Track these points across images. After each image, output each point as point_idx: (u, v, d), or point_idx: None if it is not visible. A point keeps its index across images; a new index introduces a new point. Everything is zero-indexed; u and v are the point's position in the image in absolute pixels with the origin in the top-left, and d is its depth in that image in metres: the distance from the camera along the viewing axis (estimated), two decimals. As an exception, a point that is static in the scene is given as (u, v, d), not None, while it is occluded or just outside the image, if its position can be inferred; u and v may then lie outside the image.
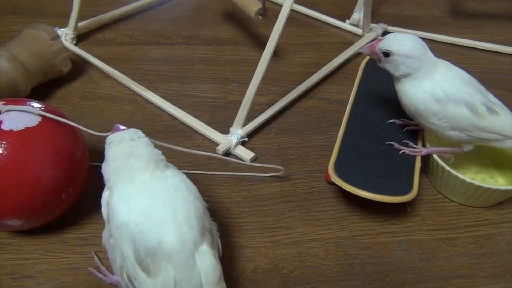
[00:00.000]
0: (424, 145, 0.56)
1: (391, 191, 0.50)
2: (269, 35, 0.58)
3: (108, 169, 0.41)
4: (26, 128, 0.42)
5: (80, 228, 0.50)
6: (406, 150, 0.55)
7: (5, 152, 0.41)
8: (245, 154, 0.59)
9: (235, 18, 0.87)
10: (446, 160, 0.54)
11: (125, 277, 0.38)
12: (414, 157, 0.55)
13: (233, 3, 0.74)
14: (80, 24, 0.77)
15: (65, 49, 0.67)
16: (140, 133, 0.43)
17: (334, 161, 0.53)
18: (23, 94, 0.62)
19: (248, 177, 0.57)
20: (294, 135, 0.63)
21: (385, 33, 0.85)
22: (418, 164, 0.54)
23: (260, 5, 0.67)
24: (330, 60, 0.76)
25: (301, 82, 0.71)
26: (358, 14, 0.86)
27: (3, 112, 0.43)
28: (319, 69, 0.74)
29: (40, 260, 0.47)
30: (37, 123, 0.43)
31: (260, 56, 0.58)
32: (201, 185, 0.53)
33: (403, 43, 0.51)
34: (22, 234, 0.48)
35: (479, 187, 0.52)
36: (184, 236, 0.37)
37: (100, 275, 0.45)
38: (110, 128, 0.45)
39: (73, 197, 0.47)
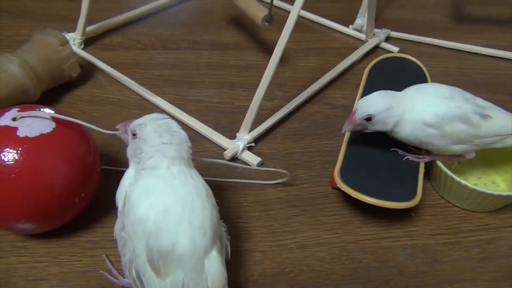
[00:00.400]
0: (428, 152, 0.57)
1: (396, 197, 0.51)
2: (274, 40, 0.59)
3: (144, 146, 0.42)
4: (41, 134, 0.44)
5: (92, 232, 0.51)
6: (410, 157, 0.56)
7: (21, 158, 0.42)
8: (252, 159, 0.60)
9: (240, 23, 0.88)
10: (449, 166, 0.55)
11: (134, 272, 0.40)
12: (418, 164, 0.56)
13: (239, 9, 0.75)
14: (87, 28, 0.78)
15: (74, 54, 0.68)
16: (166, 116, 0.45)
17: (340, 167, 0.54)
18: (33, 99, 0.63)
19: (254, 181, 0.58)
20: (299, 140, 0.64)
21: (387, 38, 0.86)
22: (421, 170, 0.55)
23: (266, 12, 0.68)
24: (335, 65, 0.77)
25: (306, 87, 0.72)
26: (361, 19, 0.87)
27: (18, 119, 0.44)
28: (324, 74, 0.75)
29: (53, 263, 0.48)
30: (52, 129, 0.45)
31: (265, 61, 0.60)
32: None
33: (376, 101, 0.52)
34: (35, 237, 0.50)
35: (481, 193, 0.53)
36: (196, 242, 0.38)
37: (111, 278, 0.46)
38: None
39: (85, 201, 0.48)
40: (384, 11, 0.96)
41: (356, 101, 0.65)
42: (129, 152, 0.44)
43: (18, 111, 0.45)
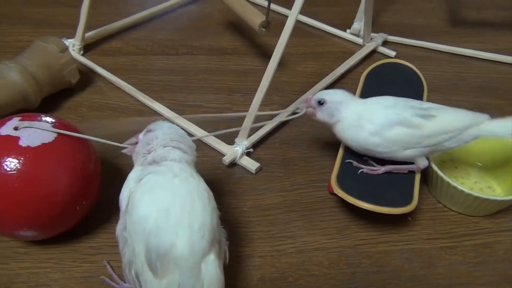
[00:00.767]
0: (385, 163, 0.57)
1: (392, 202, 0.51)
2: (272, 45, 0.60)
3: (155, 142, 0.45)
4: (43, 144, 0.44)
5: (93, 238, 0.51)
6: (365, 169, 0.56)
7: (23, 167, 0.43)
8: (251, 164, 0.60)
9: (238, 28, 0.89)
10: (445, 171, 0.56)
11: (133, 272, 0.40)
12: (414, 168, 0.57)
13: (236, 14, 0.75)
14: (87, 34, 0.79)
15: (74, 60, 0.69)
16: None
17: (337, 173, 0.55)
18: (34, 105, 0.64)
19: (253, 187, 0.59)
20: (298, 145, 0.65)
21: (384, 42, 0.87)
22: (418, 176, 0.56)
23: (263, 18, 0.69)
24: (332, 69, 0.78)
25: (304, 92, 0.73)
26: (358, 24, 0.88)
27: (20, 129, 0.45)
28: (321, 79, 0.76)
29: (55, 268, 0.48)
30: (53, 138, 0.45)
31: (263, 66, 0.60)
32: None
33: (334, 93, 0.56)
34: (37, 243, 0.50)
35: (477, 197, 0.53)
36: (194, 244, 0.39)
37: (113, 283, 0.47)
38: (119, 138, 0.48)
39: (86, 208, 0.49)
40: (381, 16, 0.97)
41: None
42: (139, 147, 0.46)
43: (20, 120, 0.46)
